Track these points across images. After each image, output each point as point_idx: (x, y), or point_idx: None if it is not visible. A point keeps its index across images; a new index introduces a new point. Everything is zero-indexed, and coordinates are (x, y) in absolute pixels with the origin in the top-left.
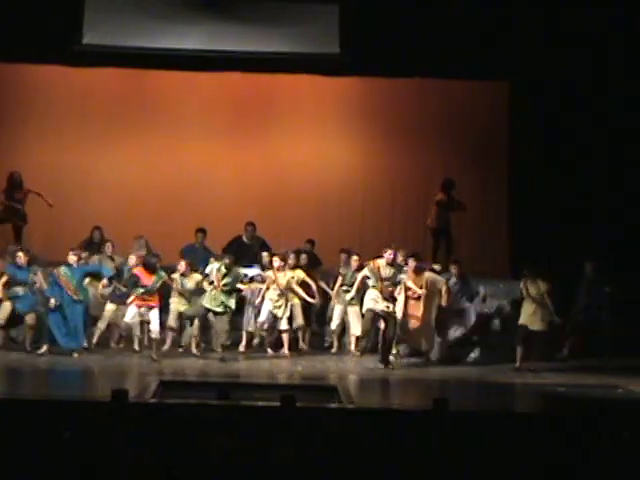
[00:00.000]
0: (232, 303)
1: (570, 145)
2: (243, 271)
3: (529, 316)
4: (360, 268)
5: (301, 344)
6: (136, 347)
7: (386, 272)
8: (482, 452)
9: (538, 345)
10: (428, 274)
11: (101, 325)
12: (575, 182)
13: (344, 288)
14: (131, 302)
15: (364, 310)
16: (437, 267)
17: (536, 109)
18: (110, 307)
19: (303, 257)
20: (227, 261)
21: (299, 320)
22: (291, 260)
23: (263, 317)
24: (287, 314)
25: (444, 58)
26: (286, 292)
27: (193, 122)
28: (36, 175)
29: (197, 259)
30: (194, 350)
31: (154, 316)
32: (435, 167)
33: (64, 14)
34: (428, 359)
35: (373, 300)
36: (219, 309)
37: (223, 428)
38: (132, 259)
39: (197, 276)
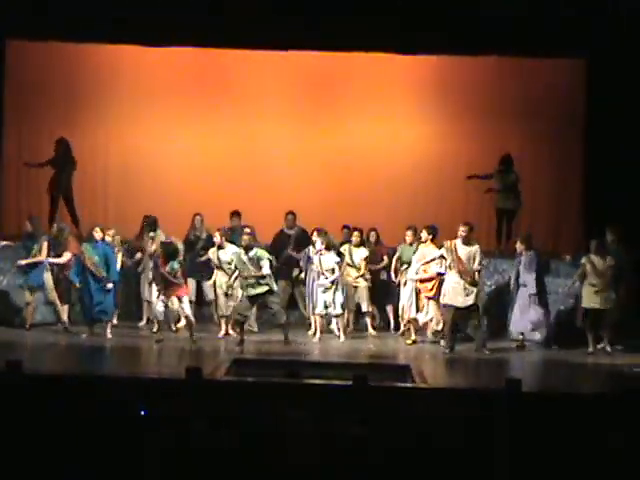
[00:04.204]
0: (272, 284)
1: None
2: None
3: (593, 295)
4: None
5: (370, 329)
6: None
7: (463, 251)
8: (555, 433)
9: (608, 325)
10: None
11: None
12: None
13: (404, 267)
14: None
15: (442, 303)
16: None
17: (614, 88)
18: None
19: (372, 234)
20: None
21: (365, 305)
22: (356, 237)
23: (320, 307)
24: (340, 299)
25: (521, 35)
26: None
27: (266, 105)
28: (109, 158)
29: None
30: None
31: (184, 302)
32: (510, 148)
33: None
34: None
35: (453, 291)
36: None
37: (296, 406)
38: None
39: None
